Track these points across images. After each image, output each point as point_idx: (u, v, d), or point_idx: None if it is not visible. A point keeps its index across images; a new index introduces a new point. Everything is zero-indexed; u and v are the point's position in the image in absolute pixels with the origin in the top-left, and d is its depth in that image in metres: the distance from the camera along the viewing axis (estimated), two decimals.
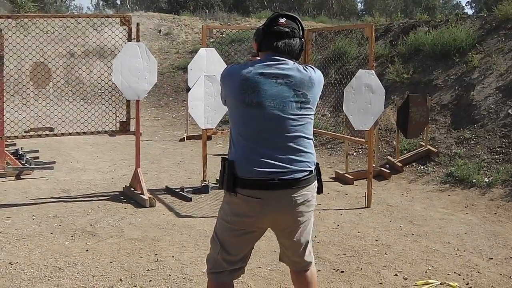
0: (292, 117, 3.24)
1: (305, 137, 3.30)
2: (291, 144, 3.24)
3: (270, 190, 3.20)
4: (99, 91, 8.63)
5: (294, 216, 3.32)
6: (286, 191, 3.23)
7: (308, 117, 3.32)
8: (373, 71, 7.46)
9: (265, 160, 3.19)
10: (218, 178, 3.24)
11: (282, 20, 3.33)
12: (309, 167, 3.30)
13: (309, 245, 3.55)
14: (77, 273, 5.02)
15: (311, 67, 3.38)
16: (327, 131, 10.82)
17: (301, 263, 3.59)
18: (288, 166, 3.22)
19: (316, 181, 3.40)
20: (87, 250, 5.61)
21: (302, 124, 3.29)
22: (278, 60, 3.29)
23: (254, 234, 3.41)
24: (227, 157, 3.33)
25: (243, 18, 27.14)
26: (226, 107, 3.41)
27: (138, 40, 7.65)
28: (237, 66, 3.32)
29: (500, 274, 5.23)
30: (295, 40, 3.34)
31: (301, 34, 3.38)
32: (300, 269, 3.61)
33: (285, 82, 3.24)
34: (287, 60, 3.31)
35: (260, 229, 3.42)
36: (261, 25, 3.46)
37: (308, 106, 3.31)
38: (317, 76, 3.36)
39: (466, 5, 50.00)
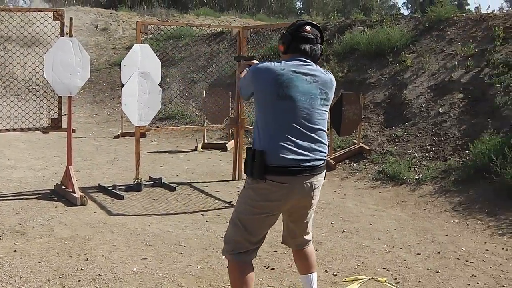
0: (318, 111, 3.69)
1: (324, 130, 3.75)
2: (314, 135, 3.66)
3: (296, 176, 3.58)
4: (30, 87, 8.44)
5: (310, 199, 3.78)
6: (308, 177, 3.64)
7: (327, 113, 3.79)
8: None
9: (293, 148, 3.56)
10: (244, 167, 3.66)
11: (308, 28, 3.77)
12: (325, 156, 3.75)
13: (311, 225, 4.07)
14: (4, 274, 4.89)
15: (328, 71, 3.86)
16: None
17: (304, 242, 4.08)
18: (311, 154, 3.62)
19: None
20: (15, 250, 5.47)
21: (323, 119, 3.74)
22: (306, 61, 3.72)
23: (275, 216, 3.79)
24: (251, 146, 3.66)
25: (181, 14, 26.99)
26: (252, 99, 3.83)
27: (71, 35, 7.51)
28: (269, 64, 3.69)
29: (428, 269, 5.36)
30: (317, 46, 3.79)
31: (321, 41, 3.83)
32: (303, 247, 4.10)
33: (313, 80, 3.68)
34: (311, 62, 3.75)
35: (280, 212, 3.83)
36: (287, 30, 3.83)
37: (328, 103, 3.79)
38: (333, 79, 3.85)
39: (402, 6, 50.93)
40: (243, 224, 3.71)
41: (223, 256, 3.92)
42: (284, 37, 3.80)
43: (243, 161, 3.73)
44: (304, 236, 4.05)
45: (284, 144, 3.54)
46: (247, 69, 4.10)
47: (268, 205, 3.65)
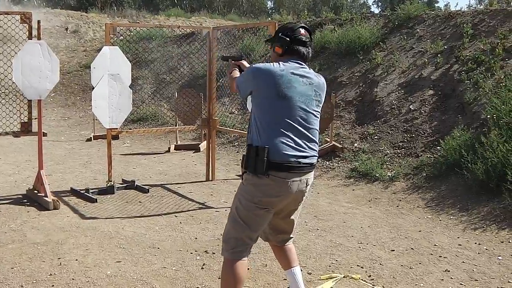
0: (313, 112, 3.85)
1: (317, 130, 3.91)
2: (309, 134, 3.80)
3: (294, 172, 3.71)
4: None
5: (303, 195, 3.92)
6: (304, 173, 3.78)
7: (320, 114, 3.96)
8: None
9: (292, 145, 3.69)
10: (245, 163, 3.77)
11: (303, 31, 3.93)
12: (317, 155, 3.89)
13: (296, 222, 4.22)
14: None
15: (320, 75, 4.02)
16: (235, 128, 10.88)
17: (288, 238, 4.22)
18: (308, 152, 3.76)
19: None
20: None
21: (317, 119, 3.90)
22: (301, 64, 3.88)
23: (272, 212, 3.86)
24: (251, 143, 3.75)
25: (152, 15, 26.90)
26: (249, 97, 4.06)
27: (39, 38, 7.42)
28: (269, 65, 3.81)
29: (401, 265, 5.40)
30: (310, 48, 3.97)
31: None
32: (286, 244, 4.22)
33: (309, 83, 3.84)
34: (305, 65, 3.91)
35: (278, 207, 3.88)
36: (282, 33, 3.92)
37: (320, 105, 3.95)
38: (325, 82, 4.03)
39: (373, 4, 51.20)
40: (244, 220, 3.80)
41: (222, 256, 3.95)
42: (281, 40, 3.90)
43: (245, 158, 3.80)
44: (290, 233, 4.19)
45: (285, 141, 3.67)
46: (236, 69, 4.44)
47: (269, 201, 3.75)
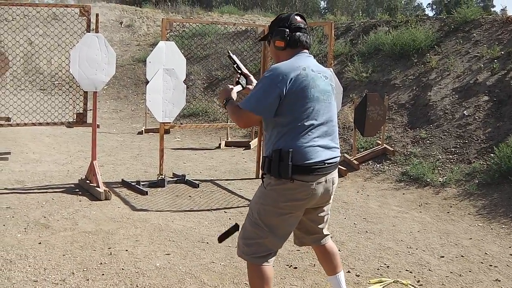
0: (333, 108, 3.72)
1: (337, 126, 3.76)
2: (333, 132, 3.68)
3: (322, 174, 3.55)
4: (55, 82, 8.51)
5: (329, 195, 3.73)
6: (330, 173, 3.62)
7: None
8: (332, 69, 7.50)
9: (319, 147, 3.53)
10: (267, 167, 3.52)
11: (299, 18, 3.72)
12: (340, 153, 3.76)
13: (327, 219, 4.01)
14: (29, 266, 4.93)
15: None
16: None
17: (322, 236, 4.00)
18: (332, 151, 3.63)
19: None
20: (40, 243, 5.52)
21: (335, 114, 3.77)
22: (309, 55, 3.71)
23: (299, 215, 3.69)
24: (276, 147, 3.50)
25: (205, 12, 27.07)
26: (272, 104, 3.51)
27: (97, 31, 7.55)
28: (289, 65, 3.56)
29: (451, 272, 5.32)
30: (309, 36, 3.76)
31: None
32: (323, 243, 4.01)
33: (325, 77, 3.68)
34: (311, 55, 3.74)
35: (302, 211, 3.69)
36: (279, 25, 3.71)
37: (334, 97, 3.80)
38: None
39: (427, 7, 50.58)
40: (268, 225, 3.61)
41: (239, 257, 3.85)
42: (281, 32, 3.67)
43: (265, 160, 3.57)
44: (320, 229, 3.97)
45: (312, 144, 3.49)
46: (235, 87, 3.98)
47: (293, 205, 3.55)
